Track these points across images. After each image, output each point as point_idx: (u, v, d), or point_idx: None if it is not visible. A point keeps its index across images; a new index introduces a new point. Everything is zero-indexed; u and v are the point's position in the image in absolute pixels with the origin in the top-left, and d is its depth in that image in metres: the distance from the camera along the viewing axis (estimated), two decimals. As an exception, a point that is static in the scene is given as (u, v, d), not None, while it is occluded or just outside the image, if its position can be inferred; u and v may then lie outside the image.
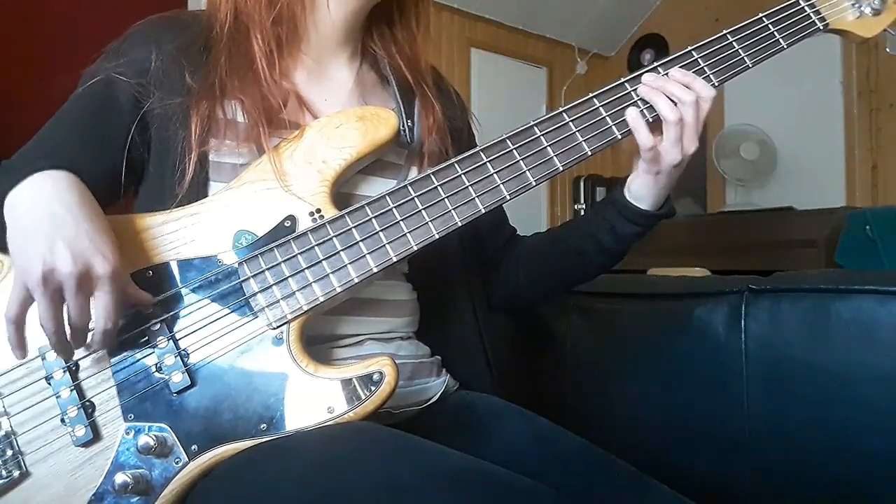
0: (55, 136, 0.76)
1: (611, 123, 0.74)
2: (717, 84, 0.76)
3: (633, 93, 0.75)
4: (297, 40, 0.81)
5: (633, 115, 0.74)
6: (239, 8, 0.78)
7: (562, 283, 0.98)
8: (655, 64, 0.76)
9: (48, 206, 0.62)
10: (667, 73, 0.75)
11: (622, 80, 0.76)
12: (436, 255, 0.80)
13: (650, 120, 0.75)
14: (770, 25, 0.78)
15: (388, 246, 0.69)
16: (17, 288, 0.60)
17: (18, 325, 0.62)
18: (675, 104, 0.74)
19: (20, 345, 0.62)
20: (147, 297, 0.65)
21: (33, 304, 0.61)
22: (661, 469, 0.75)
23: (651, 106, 0.75)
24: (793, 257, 2.68)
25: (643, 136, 0.74)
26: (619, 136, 0.75)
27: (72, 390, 0.64)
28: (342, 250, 0.68)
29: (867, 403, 0.81)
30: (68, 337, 0.62)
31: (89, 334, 0.63)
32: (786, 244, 2.80)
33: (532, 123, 0.74)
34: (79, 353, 0.65)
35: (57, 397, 0.64)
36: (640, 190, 0.81)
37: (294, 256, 0.68)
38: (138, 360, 0.65)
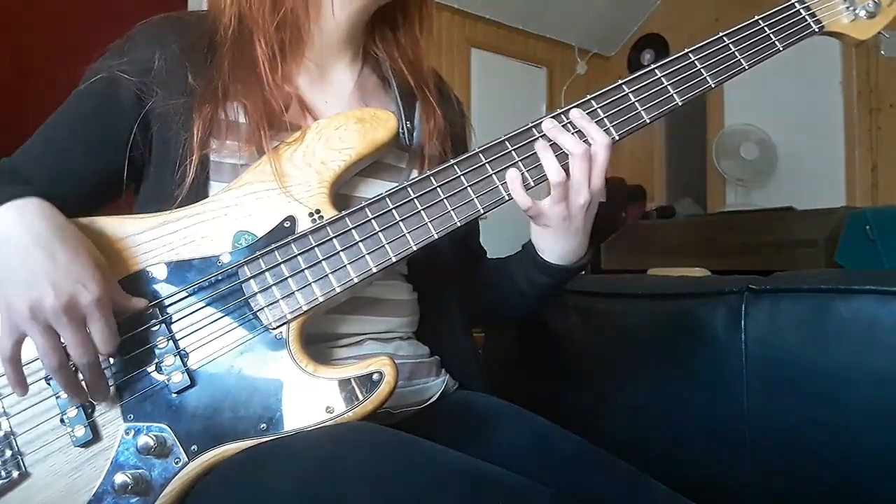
0: (56, 135, 0.76)
1: (609, 125, 0.74)
2: (714, 86, 0.77)
3: (629, 95, 0.75)
4: (300, 45, 0.81)
5: (512, 177, 0.72)
6: (243, 12, 0.78)
7: (493, 316, 0.98)
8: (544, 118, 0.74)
9: (19, 242, 0.60)
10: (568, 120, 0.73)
11: (619, 82, 0.76)
12: (432, 257, 0.80)
13: (531, 184, 0.73)
14: (766, 28, 0.78)
15: (387, 246, 0.69)
16: (8, 328, 0.60)
17: (15, 363, 0.61)
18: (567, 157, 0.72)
19: (20, 381, 0.62)
20: (140, 304, 0.65)
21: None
22: (660, 469, 0.75)
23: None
24: (793, 257, 2.68)
25: (519, 197, 0.72)
26: (617, 137, 0.74)
27: (71, 390, 0.64)
28: (342, 251, 0.68)
29: (867, 403, 0.80)
30: (77, 374, 0.61)
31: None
32: (786, 244, 2.80)
33: (530, 125, 0.74)
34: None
35: (56, 397, 0.64)
36: (539, 243, 0.81)
37: (294, 257, 0.68)
38: (138, 361, 0.65)
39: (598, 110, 0.74)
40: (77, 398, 0.63)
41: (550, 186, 0.73)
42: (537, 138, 0.73)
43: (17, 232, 0.61)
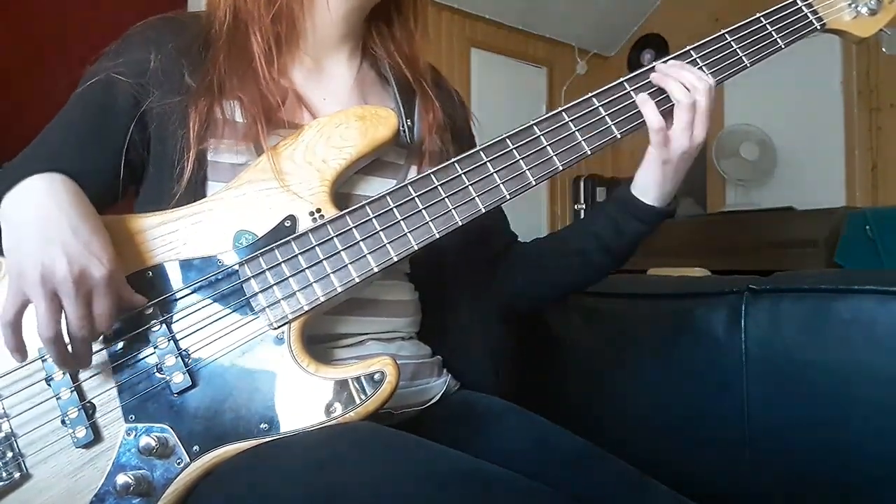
0: (55, 138, 0.76)
1: (610, 123, 0.74)
2: (714, 84, 0.77)
3: (632, 92, 0.75)
4: (295, 38, 0.81)
5: (642, 98, 0.74)
6: (238, 6, 0.79)
7: (560, 287, 0.95)
8: (654, 63, 0.76)
9: (43, 209, 0.62)
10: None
11: (621, 79, 0.76)
12: (437, 256, 0.80)
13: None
14: (768, 25, 0.78)
15: (388, 245, 0.69)
16: (13, 292, 0.60)
17: (15, 328, 0.61)
18: (689, 90, 0.74)
19: (19, 348, 0.62)
20: (141, 300, 0.65)
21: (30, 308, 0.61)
22: (660, 469, 0.75)
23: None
24: (793, 257, 2.68)
25: (651, 115, 0.74)
26: (619, 136, 0.75)
27: (72, 391, 0.64)
28: (343, 250, 0.68)
29: (867, 403, 0.80)
30: (68, 346, 0.61)
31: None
32: (786, 244, 2.80)
33: (532, 123, 0.74)
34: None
35: (57, 398, 0.64)
36: (647, 182, 0.80)
37: (294, 256, 0.68)
38: (139, 361, 0.65)
39: (601, 108, 0.74)
40: (64, 367, 0.63)
41: (676, 109, 0.74)
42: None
43: (43, 200, 0.62)
